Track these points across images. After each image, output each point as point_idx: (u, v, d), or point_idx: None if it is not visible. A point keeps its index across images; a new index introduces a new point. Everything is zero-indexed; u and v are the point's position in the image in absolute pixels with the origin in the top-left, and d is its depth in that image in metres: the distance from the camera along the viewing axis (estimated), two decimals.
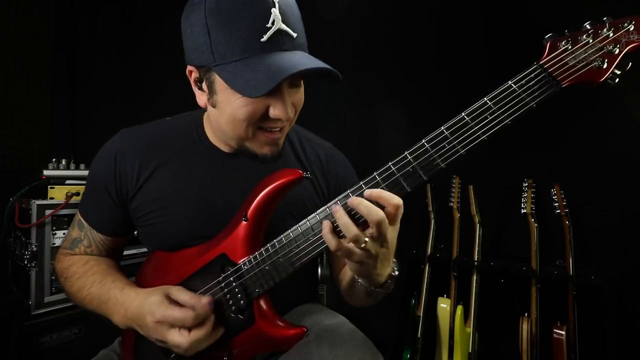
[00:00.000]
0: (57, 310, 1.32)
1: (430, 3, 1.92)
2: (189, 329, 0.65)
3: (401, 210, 0.57)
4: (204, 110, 0.82)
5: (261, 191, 0.69)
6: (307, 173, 0.68)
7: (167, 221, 0.78)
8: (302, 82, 0.72)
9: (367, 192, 0.58)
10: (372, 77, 2.04)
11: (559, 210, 1.54)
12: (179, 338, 0.64)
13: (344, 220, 0.57)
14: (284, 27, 0.62)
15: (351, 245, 0.57)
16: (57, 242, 1.33)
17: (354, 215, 0.58)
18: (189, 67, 0.69)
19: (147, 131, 0.83)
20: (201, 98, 0.72)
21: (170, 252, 0.79)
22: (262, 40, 0.60)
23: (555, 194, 1.56)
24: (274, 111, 0.65)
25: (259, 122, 0.68)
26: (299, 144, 0.88)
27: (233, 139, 0.73)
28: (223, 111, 0.68)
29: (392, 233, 0.58)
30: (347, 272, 0.79)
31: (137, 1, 2.21)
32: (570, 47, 0.57)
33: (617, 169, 1.52)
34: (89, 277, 0.79)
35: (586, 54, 0.56)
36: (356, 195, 0.59)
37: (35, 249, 1.28)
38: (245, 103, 0.64)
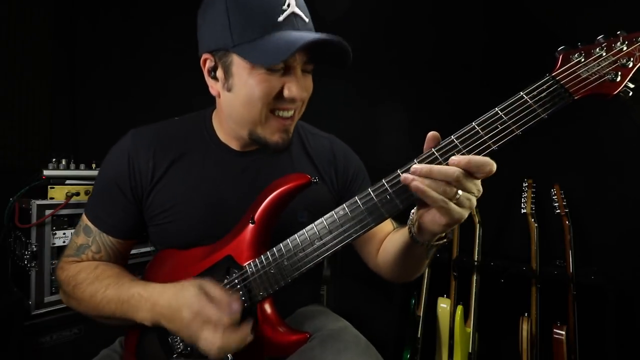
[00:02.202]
0: (57, 310, 1.31)
1: (430, 3, 1.92)
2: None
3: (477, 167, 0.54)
4: (212, 109, 0.86)
5: (269, 194, 0.69)
6: (315, 178, 0.68)
7: (180, 219, 0.78)
8: (311, 69, 0.74)
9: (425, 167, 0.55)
10: (372, 78, 2.04)
11: (559, 210, 1.54)
12: (213, 336, 0.61)
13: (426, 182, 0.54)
14: (297, 10, 0.67)
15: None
16: (57, 242, 1.33)
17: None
18: (204, 56, 0.72)
19: (158, 130, 0.84)
20: (214, 87, 0.74)
21: (177, 252, 0.79)
22: (278, 20, 0.64)
23: (555, 194, 1.56)
24: (289, 91, 0.68)
25: (273, 102, 0.70)
26: (305, 137, 0.92)
27: (246, 125, 0.74)
28: (239, 93, 0.70)
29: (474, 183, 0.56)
30: (395, 241, 0.75)
31: (137, 1, 2.22)
32: (583, 60, 0.56)
33: (617, 169, 1.52)
34: (103, 281, 0.75)
35: (599, 66, 0.55)
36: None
37: (35, 249, 1.28)
38: (261, 80, 0.67)
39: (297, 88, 0.69)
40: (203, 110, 0.89)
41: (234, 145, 0.83)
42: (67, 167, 1.47)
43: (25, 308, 1.27)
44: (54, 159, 1.46)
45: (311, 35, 0.63)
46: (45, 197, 1.38)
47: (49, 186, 1.39)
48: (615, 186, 1.52)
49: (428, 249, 0.65)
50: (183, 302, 0.64)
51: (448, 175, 0.53)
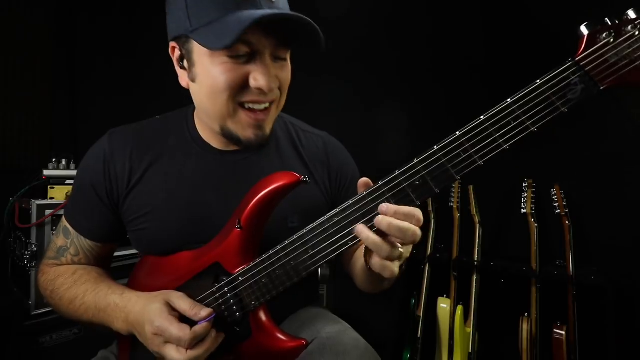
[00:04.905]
0: None
1: (430, 3, 1.92)
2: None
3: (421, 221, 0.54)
4: (195, 106, 0.79)
5: (255, 196, 0.64)
6: (305, 177, 0.63)
7: (158, 225, 0.74)
8: (288, 57, 0.69)
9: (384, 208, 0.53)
10: (371, 78, 2.04)
11: (559, 210, 1.54)
12: (175, 355, 0.60)
13: (372, 239, 0.54)
14: None
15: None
16: None
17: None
18: (171, 44, 0.69)
19: (137, 130, 0.79)
20: (183, 78, 0.71)
21: (161, 258, 0.75)
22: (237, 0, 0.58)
23: (555, 194, 1.56)
24: (255, 80, 0.62)
25: (240, 94, 0.64)
26: (295, 135, 0.85)
27: (216, 119, 0.68)
28: (202, 84, 0.66)
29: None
30: (358, 263, 0.76)
31: (137, 1, 2.22)
32: (612, 41, 0.46)
33: (617, 169, 1.52)
34: (80, 287, 0.73)
35: (630, 49, 0.45)
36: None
37: (35, 249, 1.28)
38: (224, 69, 0.62)
39: (264, 77, 0.62)
40: (186, 108, 0.82)
41: (216, 143, 0.77)
42: (67, 167, 1.48)
43: (25, 308, 1.27)
44: (54, 159, 1.47)
45: (266, 12, 0.56)
46: (45, 197, 1.38)
47: (49, 186, 1.39)
48: (615, 186, 1.52)
49: (382, 280, 0.65)
50: (147, 317, 0.63)
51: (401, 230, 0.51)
